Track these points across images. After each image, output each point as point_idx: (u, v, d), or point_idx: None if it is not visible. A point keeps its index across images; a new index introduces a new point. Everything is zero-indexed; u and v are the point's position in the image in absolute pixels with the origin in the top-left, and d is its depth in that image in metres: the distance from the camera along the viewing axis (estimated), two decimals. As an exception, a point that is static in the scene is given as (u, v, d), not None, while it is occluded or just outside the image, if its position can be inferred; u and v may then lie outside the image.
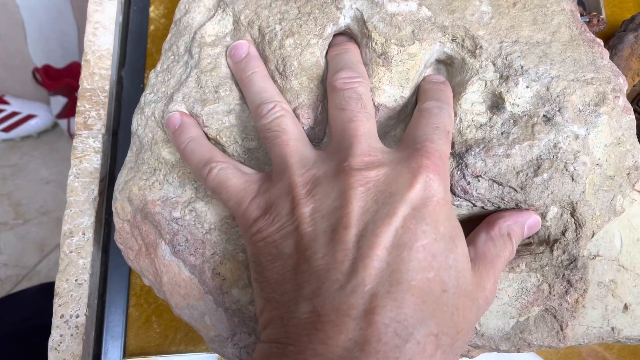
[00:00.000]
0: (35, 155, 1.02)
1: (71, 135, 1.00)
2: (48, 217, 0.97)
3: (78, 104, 0.32)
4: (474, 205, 0.24)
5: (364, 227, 0.18)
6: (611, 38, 0.36)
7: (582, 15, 0.35)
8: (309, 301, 0.18)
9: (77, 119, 0.31)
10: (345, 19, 0.25)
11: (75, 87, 0.95)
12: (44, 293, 0.55)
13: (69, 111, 0.98)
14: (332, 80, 0.23)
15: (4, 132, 0.98)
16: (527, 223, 0.23)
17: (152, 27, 0.38)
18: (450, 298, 0.18)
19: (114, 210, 0.26)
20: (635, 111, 0.34)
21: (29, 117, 0.99)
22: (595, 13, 0.36)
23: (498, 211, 0.24)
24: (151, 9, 0.38)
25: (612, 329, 0.25)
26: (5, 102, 0.99)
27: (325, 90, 0.25)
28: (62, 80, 0.95)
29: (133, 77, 0.36)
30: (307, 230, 0.19)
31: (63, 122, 1.00)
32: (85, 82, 0.32)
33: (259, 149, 0.25)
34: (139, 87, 0.36)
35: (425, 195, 0.19)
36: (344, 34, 0.26)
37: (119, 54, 0.36)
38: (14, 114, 0.99)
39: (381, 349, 0.17)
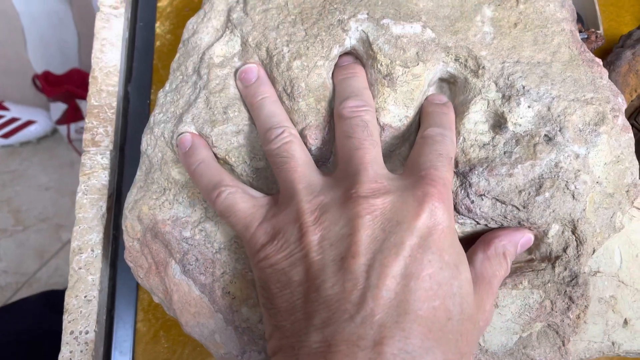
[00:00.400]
0: (34, 161, 1.02)
1: (71, 141, 1.00)
2: (47, 223, 0.97)
3: (86, 120, 0.32)
4: (478, 223, 0.25)
5: (372, 257, 0.19)
6: (609, 53, 0.37)
7: (580, 31, 0.36)
8: (320, 331, 0.18)
9: (85, 136, 0.32)
10: (351, 41, 0.26)
11: (75, 93, 0.95)
12: (46, 301, 0.56)
13: (69, 117, 0.98)
14: (340, 108, 0.24)
15: (4, 138, 0.98)
16: (520, 242, 0.24)
17: (158, 43, 0.38)
18: (455, 325, 0.19)
19: (123, 228, 0.26)
20: (633, 126, 0.34)
21: (28, 123, 0.99)
22: (593, 29, 0.36)
23: (493, 229, 0.24)
24: (157, 24, 0.38)
25: (613, 343, 0.25)
26: (5, 108, 0.99)
27: (332, 110, 0.25)
28: (61, 87, 0.95)
29: (139, 93, 0.36)
30: (316, 259, 0.19)
31: (62, 128, 1.00)
32: (92, 98, 0.32)
33: (267, 169, 0.25)
34: (146, 102, 0.36)
35: (431, 223, 0.20)
36: (350, 53, 0.27)
37: (126, 70, 0.36)
38: (13, 119, 0.99)
39: None
